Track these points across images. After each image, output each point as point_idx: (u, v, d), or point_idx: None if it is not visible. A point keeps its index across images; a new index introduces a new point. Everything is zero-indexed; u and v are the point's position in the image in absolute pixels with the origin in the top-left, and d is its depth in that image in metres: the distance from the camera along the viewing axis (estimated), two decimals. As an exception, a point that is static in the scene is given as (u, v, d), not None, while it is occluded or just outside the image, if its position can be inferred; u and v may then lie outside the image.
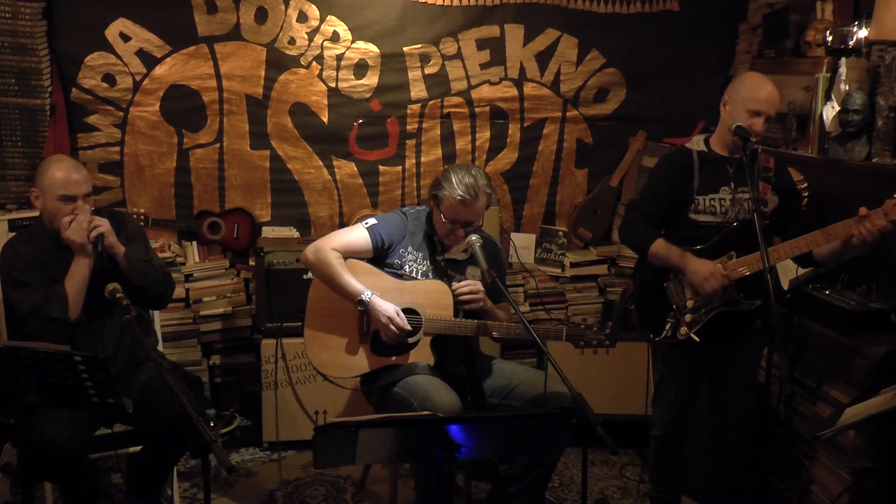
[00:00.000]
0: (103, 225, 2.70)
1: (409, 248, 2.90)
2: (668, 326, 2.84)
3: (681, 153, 2.91)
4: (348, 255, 2.85)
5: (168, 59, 3.89)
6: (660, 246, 2.80)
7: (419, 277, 2.88)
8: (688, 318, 2.80)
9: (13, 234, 3.37)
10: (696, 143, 2.91)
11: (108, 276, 2.67)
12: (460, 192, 2.76)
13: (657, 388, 3.03)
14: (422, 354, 2.82)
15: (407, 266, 2.89)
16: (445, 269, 2.91)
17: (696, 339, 2.77)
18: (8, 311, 3.13)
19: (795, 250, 2.66)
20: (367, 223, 2.88)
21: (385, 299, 2.79)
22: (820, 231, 2.61)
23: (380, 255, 2.90)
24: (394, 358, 2.84)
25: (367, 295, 2.76)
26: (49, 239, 2.76)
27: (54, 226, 2.71)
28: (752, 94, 2.73)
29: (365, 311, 2.79)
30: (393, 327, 2.76)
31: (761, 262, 2.63)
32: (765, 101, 2.72)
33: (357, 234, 2.87)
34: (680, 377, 2.95)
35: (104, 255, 2.72)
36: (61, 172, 2.70)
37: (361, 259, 2.88)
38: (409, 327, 2.78)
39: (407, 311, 2.81)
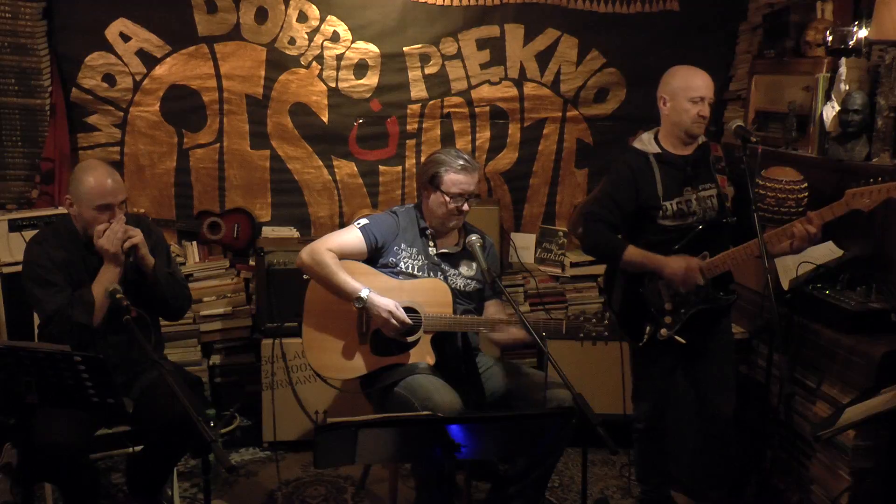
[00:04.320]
0: (137, 236, 2.67)
1: (403, 245, 2.90)
2: (647, 330, 2.84)
3: (636, 157, 2.89)
4: (343, 255, 2.84)
5: (168, 59, 3.88)
6: (633, 252, 2.80)
7: (415, 273, 2.88)
8: (667, 319, 2.82)
9: (13, 233, 3.37)
10: (648, 143, 2.90)
11: (131, 285, 2.66)
12: (460, 162, 2.84)
13: (636, 383, 3.05)
14: (422, 353, 2.82)
15: (402, 263, 2.88)
16: (439, 264, 2.92)
17: (682, 340, 2.80)
18: (9, 311, 3.14)
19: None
20: (359, 224, 2.89)
21: (384, 298, 2.79)
22: (774, 231, 2.70)
23: (374, 256, 2.90)
24: (394, 357, 2.84)
25: (364, 292, 2.76)
26: (76, 241, 2.74)
27: (88, 233, 2.68)
28: (689, 83, 2.81)
29: (363, 308, 2.78)
30: (394, 321, 2.75)
31: (736, 259, 2.70)
32: (703, 87, 2.80)
33: (350, 235, 2.88)
34: (658, 370, 2.97)
35: (132, 264, 2.70)
36: (98, 182, 2.65)
37: (356, 260, 2.88)
38: (409, 321, 2.78)
39: (406, 309, 2.80)
